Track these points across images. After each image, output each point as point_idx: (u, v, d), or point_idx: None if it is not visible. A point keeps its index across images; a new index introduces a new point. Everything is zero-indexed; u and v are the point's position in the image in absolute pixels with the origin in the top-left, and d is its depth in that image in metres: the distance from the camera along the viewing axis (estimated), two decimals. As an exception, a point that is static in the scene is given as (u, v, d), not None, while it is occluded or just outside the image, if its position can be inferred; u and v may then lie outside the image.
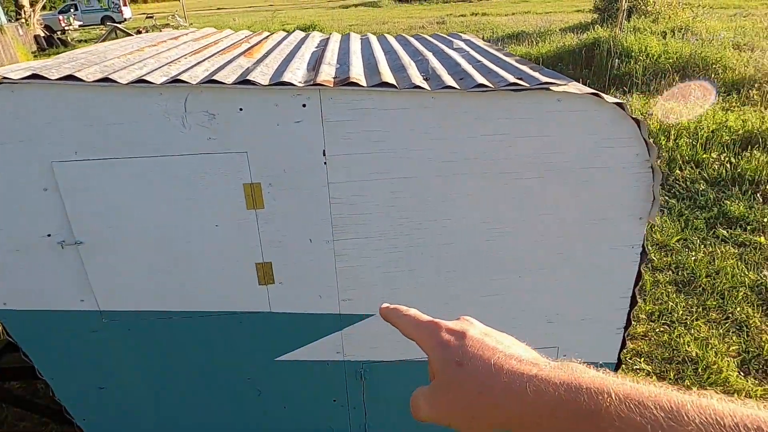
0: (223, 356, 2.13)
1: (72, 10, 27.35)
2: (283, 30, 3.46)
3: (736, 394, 2.82)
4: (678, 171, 5.50)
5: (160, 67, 1.82)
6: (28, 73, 1.62)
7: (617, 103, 1.77)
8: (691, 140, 5.97)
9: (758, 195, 4.95)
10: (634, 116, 1.80)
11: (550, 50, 10.75)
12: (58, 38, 19.73)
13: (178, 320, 2.02)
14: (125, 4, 29.85)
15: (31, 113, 1.64)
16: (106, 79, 1.62)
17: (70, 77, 1.60)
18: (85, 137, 1.69)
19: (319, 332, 2.11)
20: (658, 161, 1.89)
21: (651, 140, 1.84)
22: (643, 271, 2.08)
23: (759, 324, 3.40)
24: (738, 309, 3.54)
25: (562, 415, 0.36)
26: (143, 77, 1.66)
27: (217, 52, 2.24)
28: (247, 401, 2.25)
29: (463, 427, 0.43)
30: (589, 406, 0.35)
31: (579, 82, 7.13)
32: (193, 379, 2.18)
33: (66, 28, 24.27)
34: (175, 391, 2.20)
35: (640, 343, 3.30)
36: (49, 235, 1.82)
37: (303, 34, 3.03)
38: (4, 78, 1.60)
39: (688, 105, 6.99)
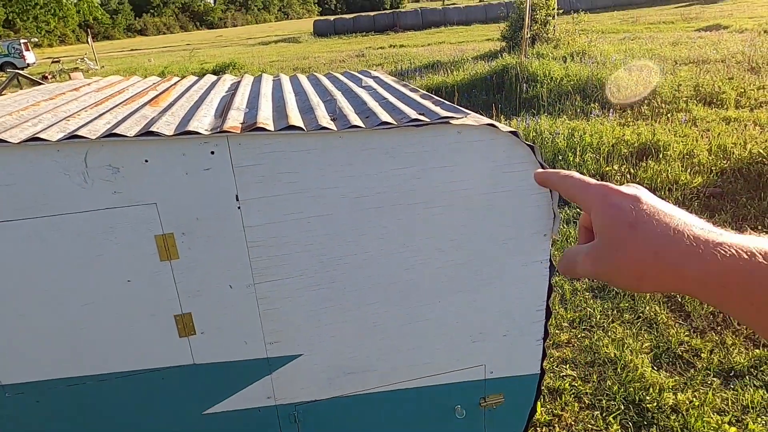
0: (147, 417, 2.02)
1: (-34, 57, 25.53)
2: (202, 69, 3.45)
3: (651, 389, 3.05)
4: (586, 184, 5.94)
5: (57, 123, 1.77)
6: None
7: (511, 131, 1.91)
8: (594, 155, 6.48)
9: (656, 201, 5.44)
10: (527, 142, 1.95)
11: (465, 78, 11.35)
12: (-49, 88, 18.25)
13: (93, 385, 1.91)
14: (28, 49, 28.27)
15: None
16: (-5, 140, 1.54)
17: (-47, 140, 1.52)
18: (-25, 201, 1.59)
19: (248, 379, 2.07)
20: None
21: (550, 160, 2.01)
22: (552, 284, 2.23)
23: (666, 320, 3.70)
24: (647, 308, 3.84)
25: (758, 280, 0.38)
26: (37, 134, 1.60)
27: (121, 102, 2.20)
28: (176, 461, 2.14)
29: (629, 287, 0.45)
30: None
31: (492, 106, 7.54)
32: (115, 446, 2.05)
33: (-40, 76, 22.54)
34: (95, 461, 2.06)
35: (564, 350, 3.49)
36: (-63, 309, 1.68)
37: (214, 78, 3.04)
38: None
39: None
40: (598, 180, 0.53)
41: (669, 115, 7.92)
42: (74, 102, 2.18)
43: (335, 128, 1.79)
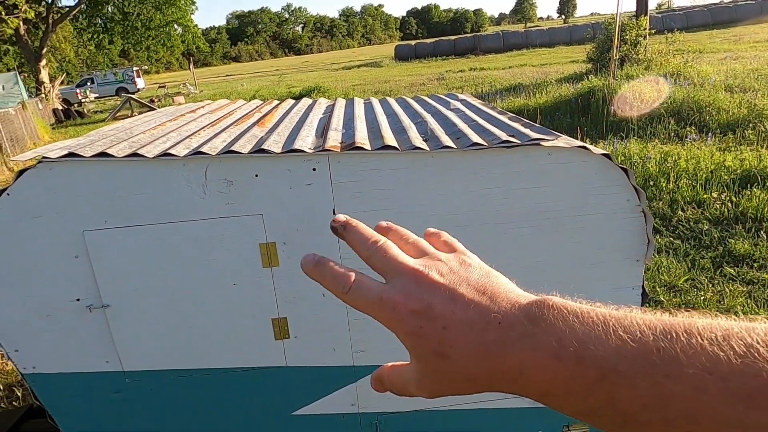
0: (241, 412, 2.18)
1: (88, 83, 28.83)
2: (289, 93, 3.70)
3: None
4: (680, 212, 5.59)
5: (182, 140, 2.00)
6: (65, 152, 1.79)
7: (604, 154, 1.90)
8: (690, 181, 6.09)
9: (762, 232, 5.00)
10: (620, 165, 1.93)
11: (548, 101, 11.13)
12: (75, 110, 20.69)
13: (198, 378, 2.09)
14: (139, 76, 31.43)
15: (66, 188, 1.81)
16: (135, 155, 1.78)
17: (102, 154, 1.77)
18: (114, 207, 1.84)
19: (334, 385, 2.17)
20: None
21: (640, 186, 1.96)
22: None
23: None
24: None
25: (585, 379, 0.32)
26: (168, 150, 1.83)
27: (233, 123, 2.44)
28: (265, 458, 2.28)
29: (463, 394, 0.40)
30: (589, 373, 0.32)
31: (577, 130, 7.33)
32: (212, 437, 2.22)
33: (83, 100, 25.50)
34: (194, 449, 2.24)
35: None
36: (78, 300, 1.94)
37: (310, 101, 3.26)
38: (44, 158, 1.78)
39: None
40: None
41: (778, 140, 7.29)
42: (194, 123, 2.45)
43: (428, 149, 1.88)
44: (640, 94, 8.91)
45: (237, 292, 1.99)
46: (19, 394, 3.65)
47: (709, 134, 7.86)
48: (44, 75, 21.95)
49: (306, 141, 2.00)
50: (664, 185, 6.09)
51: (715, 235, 5.07)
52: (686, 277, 4.46)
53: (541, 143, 1.88)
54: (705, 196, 5.76)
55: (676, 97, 9.34)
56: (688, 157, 6.65)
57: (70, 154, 1.77)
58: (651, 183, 6.18)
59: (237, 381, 2.12)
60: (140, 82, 31.29)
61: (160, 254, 1.91)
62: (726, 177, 6.05)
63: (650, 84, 9.02)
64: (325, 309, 2.04)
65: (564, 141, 1.94)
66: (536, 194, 1.93)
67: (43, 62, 22.26)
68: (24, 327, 1.95)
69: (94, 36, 24.84)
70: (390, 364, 0.45)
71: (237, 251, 1.94)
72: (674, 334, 0.31)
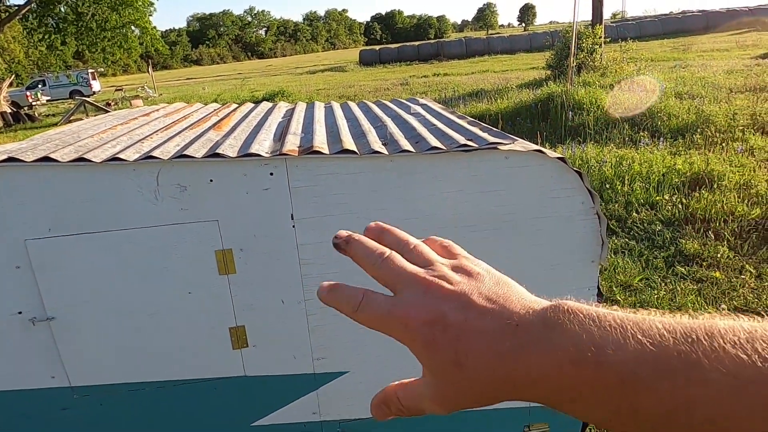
0: (198, 425, 2.11)
1: (40, 85, 27.64)
2: (252, 97, 3.64)
3: None
4: (635, 213, 5.78)
5: (132, 144, 1.93)
6: (4, 157, 1.69)
7: (559, 158, 1.94)
8: (644, 184, 6.32)
9: (710, 232, 5.23)
10: (575, 168, 1.97)
11: (509, 106, 11.36)
12: (26, 114, 19.81)
13: (152, 391, 2.01)
14: (94, 78, 30.35)
15: (6, 195, 1.71)
16: (80, 159, 1.71)
17: (45, 158, 1.69)
18: (59, 215, 1.75)
19: (295, 393, 2.13)
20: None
21: (597, 188, 2.01)
22: (601, 312, 2.19)
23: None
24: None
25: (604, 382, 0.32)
26: (117, 155, 1.75)
27: (188, 126, 2.37)
28: (223, 471, 2.21)
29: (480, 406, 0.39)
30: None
31: (537, 134, 7.49)
32: (168, 452, 2.14)
33: (33, 103, 24.42)
34: (148, 466, 2.15)
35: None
36: (20, 313, 1.84)
37: (270, 105, 3.21)
38: (-19, 162, 1.67)
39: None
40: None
41: (724, 144, 7.65)
42: (146, 126, 2.36)
43: (387, 152, 1.87)
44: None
45: (192, 301, 1.92)
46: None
47: (661, 139, 8.19)
48: (-9, 76, 20.90)
49: (263, 145, 1.96)
50: (619, 188, 6.29)
51: (667, 236, 5.27)
52: (641, 277, 4.62)
53: (498, 147, 1.90)
54: (657, 198, 5.99)
55: (630, 103, 9.69)
56: (642, 161, 6.90)
57: (10, 159, 1.68)
58: (607, 186, 6.38)
59: (193, 393, 2.05)
60: (96, 85, 30.24)
61: (109, 263, 1.83)
62: (677, 180, 6.31)
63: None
64: (284, 316, 2.00)
65: (521, 145, 1.97)
66: (494, 197, 1.95)
67: (-10, 63, 21.19)
68: (-40, 343, 1.83)
69: (46, 36, 23.82)
70: (395, 383, 0.43)
71: (192, 259, 1.88)
72: (695, 337, 0.31)
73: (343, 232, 0.45)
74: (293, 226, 1.89)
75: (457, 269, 0.40)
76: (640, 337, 0.32)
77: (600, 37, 14.86)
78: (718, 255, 4.79)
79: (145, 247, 1.83)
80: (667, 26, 34.96)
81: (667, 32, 33.93)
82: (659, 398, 0.30)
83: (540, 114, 10.36)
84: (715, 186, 6.06)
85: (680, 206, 5.75)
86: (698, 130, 8.32)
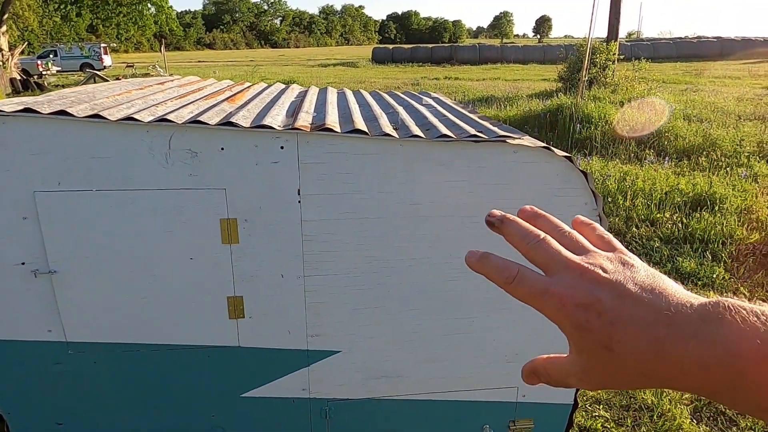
0: (189, 391, 2.13)
1: (51, 55, 27.60)
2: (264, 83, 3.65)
3: (689, 441, 2.92)
4: (635, 229, 5.81)
5: (147, 108, 1.95)
6: (21, 107, 1.71)
7: (566, 156, 1.96)
8: (646, 200, 6.35)
9: (707, 253, 5.26)
10: (581, 169, 1.99)
11: (517, 114, 11.38)
12: (35, 82, 19.79)
13: (146, 353, 2.03)
14: (106, 53, 30.32)
15: (18, 144, 1.73)
16: (96, 116, 1.72)
17: (61, 112, 1.70)
18: (70, 169, 1.77)
19: (286, 368, 2.15)
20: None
21: (598, 191, 2.03)
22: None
23: (710, 374, 3.54)
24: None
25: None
26: (132, 115, 1.77)
27: (201, 97, 2.39)
28: (209, 439, 2.23)
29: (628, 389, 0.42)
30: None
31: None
32: (156, 415, 2.16)
33: (44, 72, 24.40)
34: (135, 427, 2.17)
35: (599, 392, 3.40)
36: (23, 263, 1.85)
37: (283, 85, 3.23)
38: (-3, 111, 1.69)
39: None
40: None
41: (728, 168, 7.69)
42: (161, 93, 2.38)
43: (397, 136, 1.89)
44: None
45: (193, 267, 1.94)
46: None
47: (666, 158, 8.22)
48: (3, 42, 20.86)
49: (276, 119, 1.98)
50: (621, 202, 6.32)
51: (665, 253, 5.30)
52: (635, 290, 4.64)
53: (507, 140, 1.92)
54: (658, 215, 6.02)
55: (638, 121, 9.71)
56: (646, 178, 6.93)
57: (27, 110, 1.70)
58: (609, 200, 6.40)
59: (186, 359, 2.07)
60: (107, 60, 30.21)
61: (115, 222, 1.85)
62: (679, 199, 6.34)
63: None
64: (282, 290, 2.02)
65: (529, 141, 1.99)
66: (500, 190, 1.97)
67: (3, 29, 21.15)
68: (-39, 288, 1.85)
69: (61, 7, 23.82)
70: (545, 356, 0.45)
71: (196, 225, 1.90)
72: None
73: (497, 212, 0.47)
74: (299, 202, 1.91)
75: (612, 260, 0.42)
76: None
77: (614, 54, 14.88)
78: (714, 275, 4.82)
79: (151, 210, 1.85)
80: (681, 49, 34.98)
81: (680, 56, 33.95)
82: None
83: (548, 124, 10.38)
84: (717, 208, 6.09)
85: (680, 225, 5.78)
86: (704, 152, 8.34)
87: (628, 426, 3.11)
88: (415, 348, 2.17)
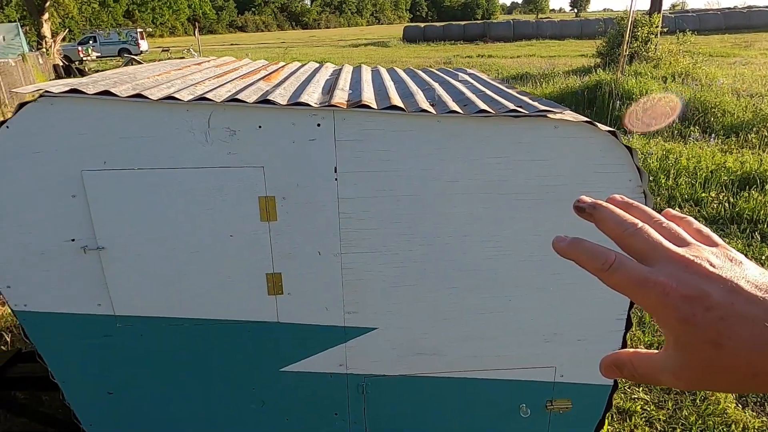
0: (230, 365, 2.19)
1: (91, 42, 28.37)
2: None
3: (734, 426, 2.85)
4: (678, 209, 5.60)
5: (186, 87, 1.97)
6: (67, 88, 1.76)
7: (610, 131, 1.89)
8: (690, 179, 6.11)
9: (756, 234, 5.03)
10: (626, 144, 1.92)
11: (554, 91, 11.07)
12: (76, 68, 20.38)
13: (189, 327, 2.10)
14: (142, 38, 30.94)
15: (66, 125, 1.78)
16: (138, 96, 1.76)
17: (105, 92, 1.74)
18: (115, 149, 1.82)
19: (324, 344, 2.18)
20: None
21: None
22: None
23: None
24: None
25: None
26: (172, 95, 1.80)
27: (238, 77, 2.41)
28: (251, 411, 2.30)
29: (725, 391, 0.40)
30: None
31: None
32: (200, 387, 2.24)
33: (84, 58, 25.11)
34: (180, 398, 2.26)
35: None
36: (73, 240, 1.93)
37: (317, 64, 3.22)
38: (46, 92, 1.75)
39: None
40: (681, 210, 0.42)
41: (780, 145, 7.30)
42: (198, 73, 2.41)
43: (435, 112, 1.86)
44: (653, 110, 8.82)
45: (233, 244, 1.98)
46: (8, 339, 3.65)
47: (713, 135, 7.86)
48: (46, 29, 21.53)
49: (312, 97, 1.97)
50: (663, 182, 6.10)
51: (710, 234, 5.10)
52: (677, 272, 4.50)
53: (548, 115, 1.86)
54: (703, 194, 5.78)
55: (682, 96, 9.30)
56: (690, 156, 6.66)
57: (73, 90, 1.75)
58: (651, 179, 6.18)
59: (228, 333, 2.13)
60: (143, 45, 30.81)
61: (157, 200, 1.90)
62: (725, 178, 6.07)
63: (663, 100, 8.93)
64: (320, 268, 2.04)
65: (571, 115, 1.93)
66: (539, 166, 1.92)
67: (46, 16, 21.81)
68: (17, 263, 1.94)
69: (99, -7, 24.34)
70: (630, 350, 0.43)
71: (236, 203, 1.93)
72: None
73: (587, 198, 0.45)
74: (336, 179, 1.92)
75: (717, 255, 0.39)
76: None
77: (657, 27, 14.21)
78: (763, 257, 4.61)
79: (192, 187, 1.89)
80: (729, 21, 33.10)
81: (729, 27, 32.14)
82: None
83: (586, 101, 10.07)
84: (767, 187, 5.80)
85: (726, 205, 5.54)
86: (754, 128, 7.93)
87: (668, 409, 3.05)
88: (451, 326, 2.17)
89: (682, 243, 0.41)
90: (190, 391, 2.25)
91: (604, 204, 0.44)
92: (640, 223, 0.41)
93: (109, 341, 2.11)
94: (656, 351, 0.41)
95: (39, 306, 2.02)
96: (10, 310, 3.64)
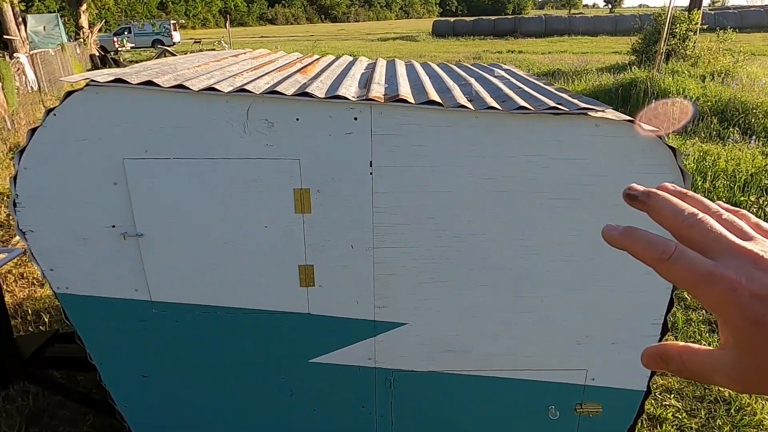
0: (260, 354, 2.22)
1: (126, 33, 29.00)
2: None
3: (770, 438, 2.76)
4: (714, 212, 5.44)
5: (225, 79, 2.00)
6: (112, 78, 1.80)
7: (653, 131, 1.84)
8: (728, 182, 5.91)
9: (798, 240, 4.84)
10: (669, 144, 1.86)
11: (586, 88, 10.84)
12: (112, 58, 20.87)
13: (222, 315, 2.13)
14: (175, 29, 31.50)
15: (111, 114, 1.82)
16: (180, 86, 1.78)
17: (148, 82, 1.78)
18: (156, 138, 1.85)
19: (353, 337, 2.19)
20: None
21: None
22: (675, 299, 2.10)
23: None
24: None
25: None
26: (213, 86, 1.82)
27: (275, 69, 2.42)
28: (279, 400, 2.33)
29: None
30: None
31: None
32: (230, 375, 2.28)
33: (119, 49, 25.71)
34: (212, 383, 2.30)
35: (670, 380, 3.25)
36: (113, 226, 1.98)
37: (351, 58, 3.22)
38: (92, 81, 1.79)
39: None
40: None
41: (826, 149, 7.00)
42: (236, 65, 2.44)
43: (473, 108, 1.84)
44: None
45: (267, 235, 2.00)
46: (46, 320, 3.78)
47: (753, 137, 7.59)
48: (84, 20, 22.11)
49: (349, 90, 1.97)
50: (700, 184, 5.92)
51: (748, 239, 4.93)
52: (713, 277, 4.37)
53: (589, 113, 1.82)
54: (742, 198, 5.59)
55: (721, 96, 9.00)
56: (729, 158, 6.45)
57: (118, 80, 1.78)
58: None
59: (259, 323, 2.15)
60: (176, 36, 31.37)
61: (196, 189, 1.93)
62: (766, 181, 5.86)
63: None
64: (352, 261, 2.05)
65: (613, 114, 1.88)
66: (578, 166, 1.88)
67: (84, 7, 22.39)
68: (60, 248, 2.00)
69: (135, -15, 24.83)
70: (681, 343, 0.41)
71: (271, 194, 1.94)
72: None
73: (638, 186, 0.42)
74: (371, 173, 1.91)
75: None
76: None
77: (696, 24, 13.76)
78: (804, 265, 4.44)
79: (229, 178, 1.91)
80: (773, 18, 31.80)
81: (773, 24, 30.87)
82: None
83: (620, 99, 9.84)
84: (810, 192, 5.58)
85: (767, 210, 5.35)
86: (797, 131, 7.63)
87: (701, 418, 2.97)
88: (481, 324, 2.15)
89: (745, 236, 0.38)
90: (221, 378, 2.29)
91: (659, 192, 0.41)
92: (700, 214, 0.38)
93: (145, 326, 2.16)
94: (709, 348, 0.39)
95: (80, 289, 2.08)
96: (50, 293, 3.77)
